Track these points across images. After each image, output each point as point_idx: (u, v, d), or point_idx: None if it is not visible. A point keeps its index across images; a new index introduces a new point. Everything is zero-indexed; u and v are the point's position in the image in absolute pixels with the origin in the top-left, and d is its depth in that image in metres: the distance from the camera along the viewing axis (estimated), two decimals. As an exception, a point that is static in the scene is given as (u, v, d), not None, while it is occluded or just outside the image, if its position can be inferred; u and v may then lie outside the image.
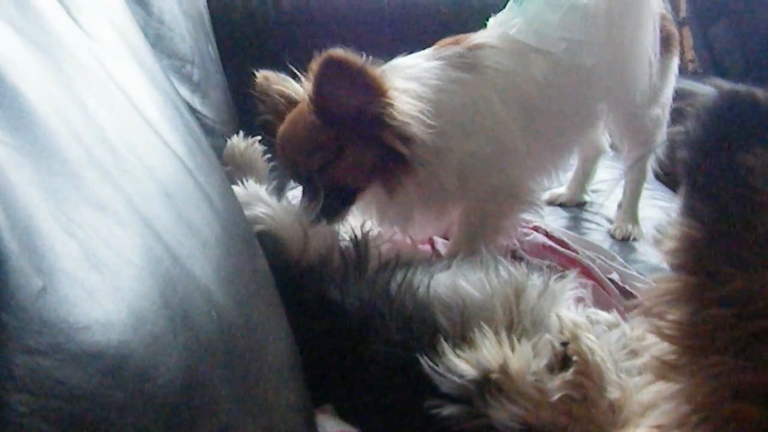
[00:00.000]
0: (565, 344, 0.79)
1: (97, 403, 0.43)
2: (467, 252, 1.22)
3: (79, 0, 0.80)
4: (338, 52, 1.16)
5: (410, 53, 1.33)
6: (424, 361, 0.83)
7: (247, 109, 1.87)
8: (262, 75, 1.41)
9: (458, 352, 0.84)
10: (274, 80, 1.39)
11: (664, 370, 0.52)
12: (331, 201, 1.27)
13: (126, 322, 0.48)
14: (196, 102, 1.48)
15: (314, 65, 1.18)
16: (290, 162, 1.31)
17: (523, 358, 0.80)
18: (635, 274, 1.43)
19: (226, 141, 1.48)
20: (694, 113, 0.50)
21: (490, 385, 0.79)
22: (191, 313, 0.58)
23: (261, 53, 2.10)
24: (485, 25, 1.43)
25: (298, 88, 1.35)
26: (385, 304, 0.97)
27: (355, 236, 1.16)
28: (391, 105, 1.18)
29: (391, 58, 1.34)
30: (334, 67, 1.17)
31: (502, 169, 1.34)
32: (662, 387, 0.53)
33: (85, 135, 0.59)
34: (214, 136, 1.45)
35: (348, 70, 1.17)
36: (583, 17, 1.34)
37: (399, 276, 1.02)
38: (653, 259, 1.54)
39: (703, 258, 0.48)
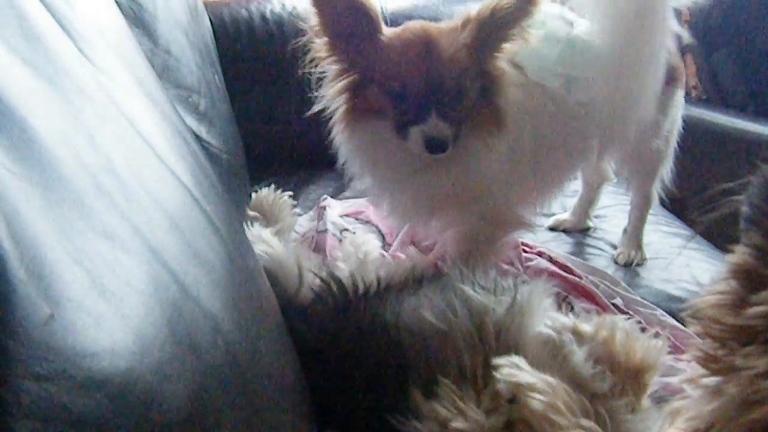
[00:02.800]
0: (511, 401, 0.80)
1: (103, 430, 0.44)
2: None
3: (86, 32, 0.82)
4: None
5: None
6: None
7: (252, 138, 1.90)
8: None
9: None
10: None
11: (707, 360, 0.62)
12: (452, 128, 1.23)
13: (132, 349, 0.48)
14: (202, 131, 1.49)
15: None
16: (436, 74, 1.20)
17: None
18: (638, 298, 1.44)
19: (230, 167, 1.50)
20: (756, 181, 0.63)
21: None
22: (197, 341, 0.58)
23: (266, 83, 2.12)
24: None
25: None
26: (358, 345, 0.99)
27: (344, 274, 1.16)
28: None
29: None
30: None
31: (503, 192, 1.35)
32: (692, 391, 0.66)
33: (92, 165, 0.60)
34: (221, 164, 1.46)
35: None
36: (581, 53, 1.34)
37: (374, 306, 1.04)
38: (656, 284, 1.55)
39: (754, 273, 0.61)
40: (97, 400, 0.44)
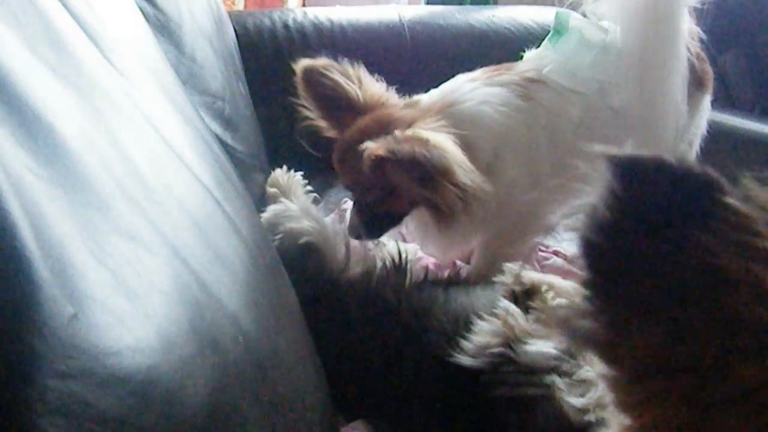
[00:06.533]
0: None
1: (126, 426, 0.44)
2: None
3: (111, 40, 0.83)
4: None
5: (429, 86, 1.34)
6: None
7: (275, 142, 1.92)
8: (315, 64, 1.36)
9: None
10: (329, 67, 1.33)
11: None
12: (377, 221, 1.28)
13: (155, 347, 0.49)
14: (227, 137, 1.50)
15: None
16: (348, 180, 1.30)
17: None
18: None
19: (253, 171, 1.52)
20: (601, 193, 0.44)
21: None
22: (219, 339, 0.59)
23: (288, 89, 2.13)
24: (502, 60, 1.43)
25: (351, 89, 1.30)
26: (434, 306, 1.04)
27: (394, 256, 1.18)
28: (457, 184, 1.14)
29: (410, 91, 1.36)
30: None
31: (526, 204, 1.35)
32: None
33: (116, 168, 0.61)
34: (244, 168, 1.48)
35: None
36: (615, 58, 1.34)
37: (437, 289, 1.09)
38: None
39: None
40: (120, 397, 0.44)
